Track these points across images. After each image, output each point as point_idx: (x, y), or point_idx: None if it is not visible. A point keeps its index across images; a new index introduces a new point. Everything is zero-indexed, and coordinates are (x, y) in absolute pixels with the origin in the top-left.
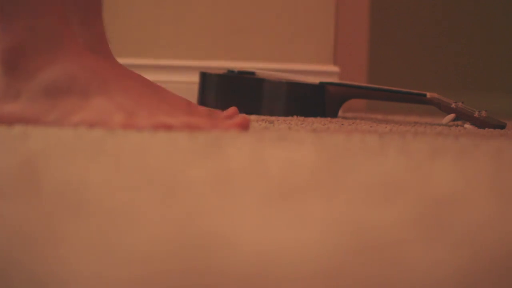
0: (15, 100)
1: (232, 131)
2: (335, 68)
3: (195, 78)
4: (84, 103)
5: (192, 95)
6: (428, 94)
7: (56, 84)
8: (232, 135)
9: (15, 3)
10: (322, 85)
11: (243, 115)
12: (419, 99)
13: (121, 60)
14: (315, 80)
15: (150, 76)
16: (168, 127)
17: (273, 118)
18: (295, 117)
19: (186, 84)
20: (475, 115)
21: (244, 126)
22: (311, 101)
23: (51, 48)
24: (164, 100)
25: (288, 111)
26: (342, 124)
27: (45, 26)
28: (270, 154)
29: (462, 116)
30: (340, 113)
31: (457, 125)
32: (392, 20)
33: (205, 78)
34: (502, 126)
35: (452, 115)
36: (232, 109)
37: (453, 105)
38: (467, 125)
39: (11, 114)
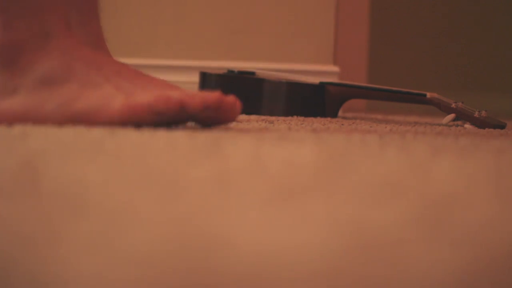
0: (13, 95)
1: (226, 101)
2: (335, 68)
3: (195, 78)
4: (82, 90)
5: None
6: (428, 94)
7: (53, 74)
8: (232, 135)
9: (18, 1)
10: (322, 85)
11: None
12: (419, 99)
13: (121, 60)
14: (315, 80)
15: None
16: (167, 97)
17: (273, 118)
18: (295, 117)
19: (186, 84)
20: (475, 115)
21: (235, 104)
22: (311, 101)
23: (48, 43)
24: (157, 82)
25: (288, 111)
26: (342, 124)
27: (44, 25)
28: (270, 154)
29: (462, 116)
30: (340, 113)
31: (457, 125)
32: (392, 20)
33: (205, 78)
34: (502, 126)
35: (452, 115)
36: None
37: (453, 105)
38: (467, 125)
39: (10, 108)
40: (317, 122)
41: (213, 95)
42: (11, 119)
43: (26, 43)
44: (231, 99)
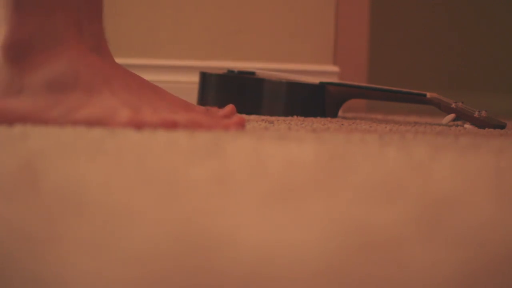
0: (18, 94)
1: (231, 129)
2: (335, 68)
3: (195, 78)
4: (88, 100)
5: (192, 95)
6: (428, 94)
7: (60, 79)
8: (232, 134)
9: (31, 0)
10: (322, 85)
11: (239, 115)
12: (419, 99)
13: (121, 60)
14: (315, 80)
15: (150, 76)
16: (173, 123)
17: (273, 118)
18: (295, 117)
19: (186, 84)
20: (475, 115)
21: (242, 125)
22: (311, 101)
23: (57, 45)
24: (164, 98)
25: (288, 111)
26: (342, 124)
27: (53, 24)
28: (270, 154)
29: (462, 116)
30: (340, 113)
31: (457, 125)
32: (392, 20)
33: (205, 78)
34: (502, 126)
35: (452, 115)
36: (229, 107)
37: (453, 105)
38: (467, 125)
39: (14, 109)
40: (317, 122)
41: (220, 125)
42: (13, 119)
43: (36, 42)
44: (237, 125)
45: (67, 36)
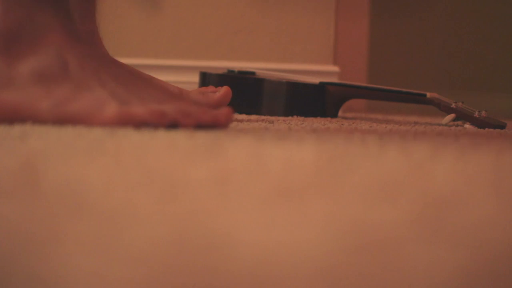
0: (6, 86)
1: (220, 119)
2: (335, 68)
3: (195, 78)
4: (77, 92)
5: None
6: (428, 94)
7: (48, 70)
8: (232, 134)
9: None
10: (322, 85)
11: (227, 108)
12: (419, 99)
13: (122, 60)
14: (315, 80)
15: None
16: (161, 113)
17: (273, 118)
18: (295, 117)
19: (186, 84)
20: (475, 115)
21: (229, 116)
22: (311, 101)
23: (44, 35)
24: (153, 86)
25: (288, 111)
26: (342, 124)
27: (40, 13)
28: (270, 154)
29: (462, 116)
30: (340, 113)
31: (457, 125)
32: (392, 20)
33: (205, 78)
34: (502, 126)
35: (452, 115)
36: (224, 88)
37: (453, 105)
38: (467, 125)
39: (4, 101)
40: (317, 122)
41: (209, 115)
42: (4, 112)
43: (22, 32)
44: (226, 116)
45: (54, 25)
